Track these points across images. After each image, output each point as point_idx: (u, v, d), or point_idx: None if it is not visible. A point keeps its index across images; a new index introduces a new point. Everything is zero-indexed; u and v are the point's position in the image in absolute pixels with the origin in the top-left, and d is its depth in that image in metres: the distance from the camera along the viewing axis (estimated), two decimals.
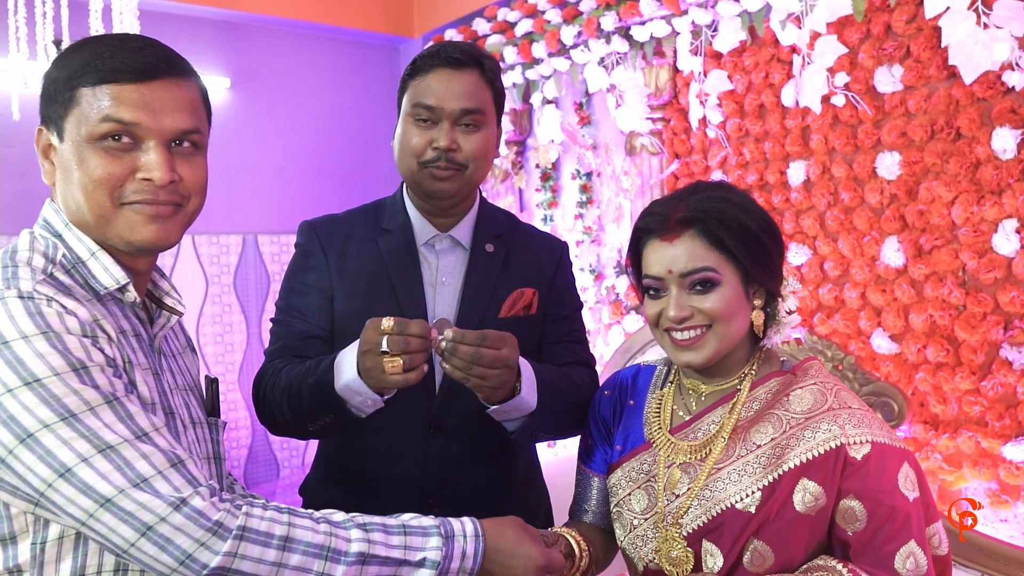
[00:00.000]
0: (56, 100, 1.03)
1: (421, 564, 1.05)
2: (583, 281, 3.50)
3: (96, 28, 2.76)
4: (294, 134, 4.20)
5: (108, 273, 1.05)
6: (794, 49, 2.61)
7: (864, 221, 2.57)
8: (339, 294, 1.53)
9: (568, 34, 3.43)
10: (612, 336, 3.45)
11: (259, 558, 0.96)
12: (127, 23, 2.75)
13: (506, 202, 3.98)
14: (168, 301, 1.19)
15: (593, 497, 1.42)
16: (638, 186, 3.33)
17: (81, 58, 1.03)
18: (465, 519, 1.12)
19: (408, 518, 1.10)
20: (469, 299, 1.53)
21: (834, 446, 1.16)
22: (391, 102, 1.97)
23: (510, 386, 1.31)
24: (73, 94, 1.02)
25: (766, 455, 1.19)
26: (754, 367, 1.28)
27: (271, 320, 1.59)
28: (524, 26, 3.67)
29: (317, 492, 1.63)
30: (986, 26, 2.05)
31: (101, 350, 0.97)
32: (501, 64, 3.71)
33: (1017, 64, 2.10)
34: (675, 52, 3.11)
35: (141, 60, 1.03)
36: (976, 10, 2.06)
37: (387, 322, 1.22)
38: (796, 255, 2.75)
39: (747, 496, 1.18)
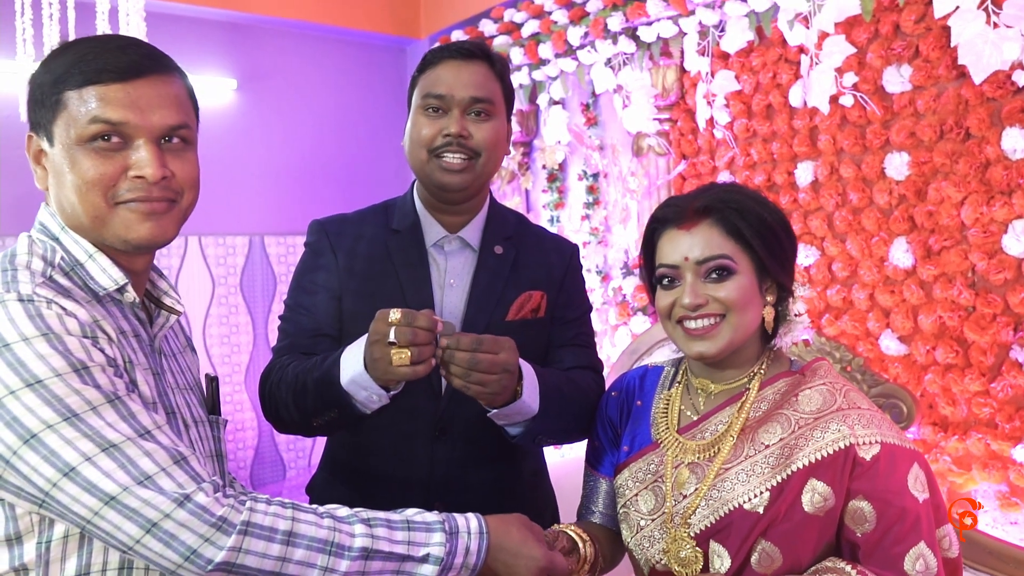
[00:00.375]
0: (43, 105, 1.04)
1: (425, 560, 1.04)
2: (590, 282, 3.50)
3: (103, 29, 2.77)
4: (301, 135, 4.21)
5: (106, 274, 1.06)
6: (802, 49, 2.60)
7: (873, 222, 2.55)
8: (347, 294, 1.53)
9: (575, 35, 3.42)
10: (619, 338, 3.44)
11: (263, 553, 0.96)
12: (133, 25, 2.76)
13: (513, 203, 3.98)
14: (167, 300, 1.20)
15: (600, 499, 1.42)
16: (645, 187, 3.32)
17: (65, 61, 1.03)
18: (470, 515, 1.12)
19: (412, 513, 1.10)
20: (476, 301, 1.53)
21: (843, 446, 1.15)
22: (398, 103, 1.97)
23: (511, 390, 1.30)
24: (59, 98, 1.02)
25: (775, 455, 1.18)
26: (763, 366, 1.28)
27: (279, 318, 1.59)
28: (531, 27, 3.67)
29: (324, 491, 1.62)
30: (996, 25, 2.04)
31: (102, 350, 0.98)
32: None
33: None
34: (682, 52, 3.10)
35: (125, 59, 1.04)
36: (986, 9, 2.04)
37: (395, 313, 1.22)
38: (804, 256, 2.74)
39: (755, 496, 1.17)
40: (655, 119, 3.21)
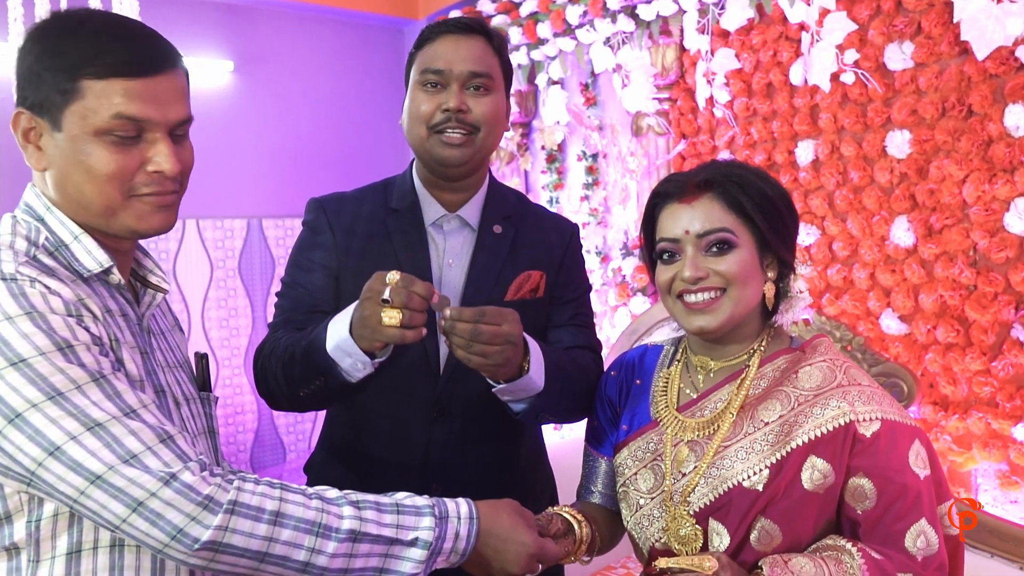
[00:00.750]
0: (51, 87, 1.00)
1: (413, 543, 1.04)
2: (589, 263, 3.48)
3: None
4: (298, 117, 4.18)
5: (91, 256, 1.05)
6: (803, 26, 2.58)
7: (874, 201, 2.54)
8: (344, 272, 1.52)
9: (573, 14, 3.39)
10: (618, 318, 3.44)
11: (250, 532, 0.95)
12: (127, 5, 2.73)
13: (512, 185, 3.95)
14: (152, 279, 1.19)
15: (600, 479, 1.41)
16: (644, 167, 3.30)
17: (80, 46, 1.00)
18: (460, 500, 1.11)
19: (402, 497, 1.09)
20: (475, 281, 1.52)
21: (843, 423, 1.14)
22: (396, 84, 1.95)
23: (515, 363, 1.29)
24: (76, 85, 1.00)
25: (774, 432, 1.18)
26: (763, 343, 1.27)
27: (276, 295, 1.58)
28: (529, 6, 3.63)
29: (322, 470, 1.62)
30: (999, 0, 2.01)
31: (86, 329, 0.97)
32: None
33: None
34: (682, 31, 3.07)
35: (147, 54, 1.03)
36: None
37: (394, 275, 1.21)
38: (805, 235, 2.72)
39: (754, 474, 1.16)
40: (654, 98, 3.19)
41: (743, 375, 1.25)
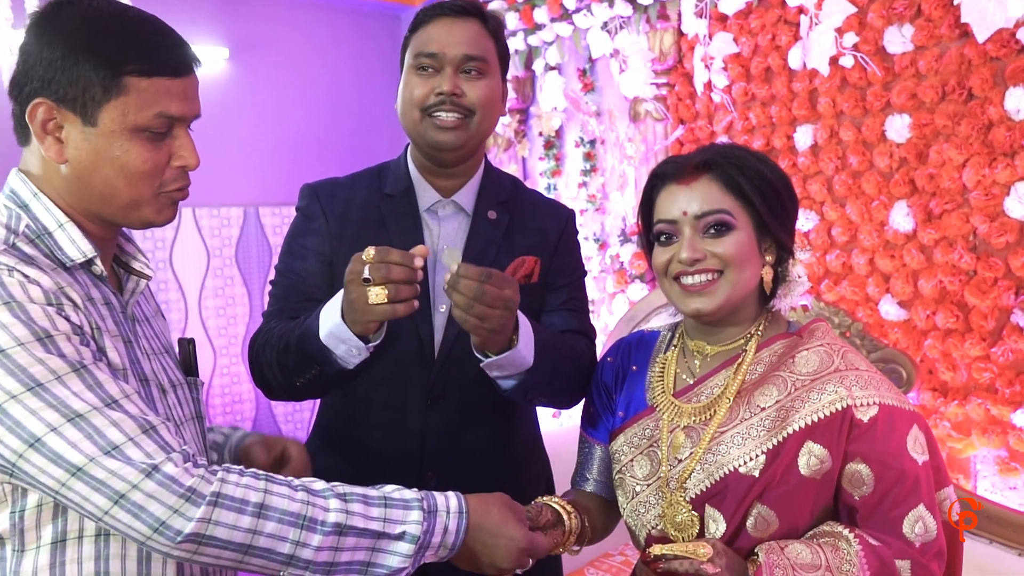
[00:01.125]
0: (92, 82, 0.99)
1: (400, 537, 1.03)
2: (587, 250, 3.47)
3: None
4: (294, 104, 4.16)
5: (75, 246, 1.03)
6: (801, 10, 2.55)
7: (873, 185, 2.52)
8: (339, 259, 1.50)
9: None
10: (616, 305, 3.43)
11: (233, 525, 0.94)
12: None
13: (509, 171, 3.94)
14: (136, 265, 1.18)
15: (595, 466, 1.40)
16: (642, 153, 3.28)
17: (120, 42, 1.00)
18: (450, 494, 1.10)
19: (391, 490, 1.07)
20: None
21: (840, 408, 1.13)
22: (392, 71, 1.93)
23: (508, 332, 1.28)
24: (119, 81, 0.99)
25: (770, 418, 1.16)
26: (760, 328, 1.25)
27: (270, 282, 1.57)
28: None
29: (317, 458, 1.60)
30: None
31: (67, 318, 0.96)
32: None
33: None
34: (679, 15, 3.05)
35: (185, 55, 1.07)
36: None
37: (369, 251, 1.20)
38: (804, 221, 2.71)
39: (751, 460, 1.15)
40: (652, 83, 3.17)
41: (740, 360, 1.23)
